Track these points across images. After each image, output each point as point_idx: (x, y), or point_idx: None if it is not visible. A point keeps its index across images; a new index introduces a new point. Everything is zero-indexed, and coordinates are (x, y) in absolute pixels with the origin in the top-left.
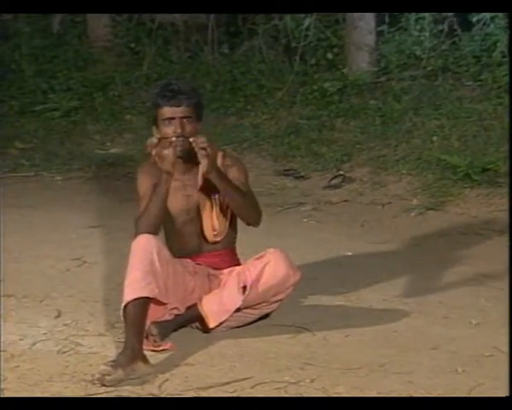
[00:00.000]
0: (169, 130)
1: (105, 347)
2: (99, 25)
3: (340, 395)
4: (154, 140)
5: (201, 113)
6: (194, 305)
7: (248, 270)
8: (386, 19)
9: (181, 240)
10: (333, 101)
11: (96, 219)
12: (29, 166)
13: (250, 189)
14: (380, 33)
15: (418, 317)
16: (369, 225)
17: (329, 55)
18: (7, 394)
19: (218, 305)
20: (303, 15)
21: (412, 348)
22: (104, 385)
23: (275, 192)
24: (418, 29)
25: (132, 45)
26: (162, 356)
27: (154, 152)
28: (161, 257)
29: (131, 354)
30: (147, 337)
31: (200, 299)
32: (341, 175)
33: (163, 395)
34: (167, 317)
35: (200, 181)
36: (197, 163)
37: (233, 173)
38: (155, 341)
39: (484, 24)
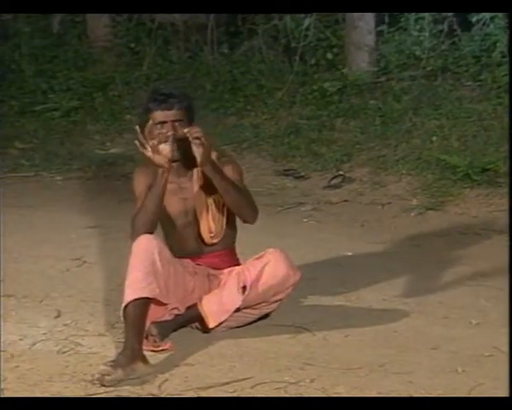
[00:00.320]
0: (160, 133)
1: (105, 347)
2: (99, 25)
3: (340, 395)
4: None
5: (193, 116)
6: (194, 305)
7: (248, 270)
8: (386, 19)
9: (180, 242)
10: (333, 101)
11: (95, 219)
12: (29, 167)
13: (246, 187)
14: (379, 33)
15: (418, 317)
16: (368, 225)
17: (329, 55)
18: (7, 394)
19: (217, 305)
20: (303, 15)
21: (412, 348)
22: (104, 385)
23: (275, 192)
24: (418, 29)
25: (132, 45)
26: (162, 356)
27: (150, 144)
28: (162, 257)
29: (131, 354)
30: (146, 338)
31: (200, 299)
32: (341, 175)
33: (163, 395)
34: (167, 317)
35: (196, 183)
36: (193, 166)
37: (228, 172)
38: (155, 341)
39: (483, 24)
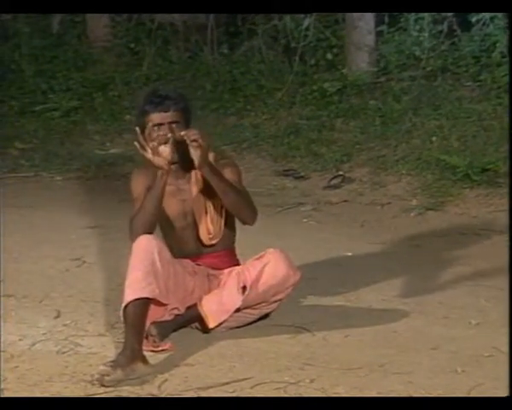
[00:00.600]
0: (157, 135)
1: (105, 347)
2: (98, 25)
3: (340, 395)
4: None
5: (190, 117)
6: (194, 305)
7: (248, 270)
8: (386, 19)
9: (179, 243)
10: (332, 101)
11: (95, 219)
12: (29, 167)
13: (244, 188)
14: (379, 33)
15: (418, 317)
16: (368, 225)
17: (329, 56)
18: (6, 394)
19: (217, 305)
20: (302, 16)
21: (412, 348)
22: (103, 385)
23: (274, 192)
24: (418, 29)
25: (132, 45)
26: (162, 356)
27: (150, 145)
28: (162, 258)
29: (131, 354)
30: (146, 338)
31: (200, 299)
32: (341, 175)
33: (163, 396)
34: (167, 317)
35: (194, 185)
36: (191, 168)
37: (226, 174)
38: (155, 341)
39: (483, 24)
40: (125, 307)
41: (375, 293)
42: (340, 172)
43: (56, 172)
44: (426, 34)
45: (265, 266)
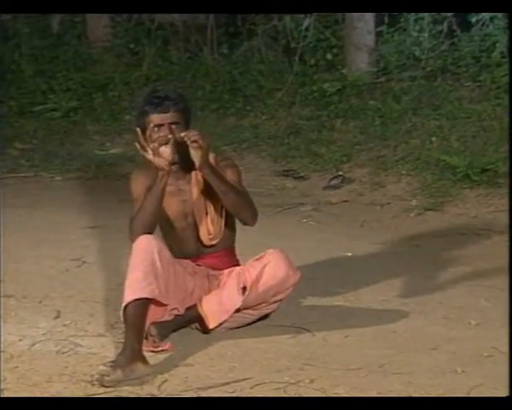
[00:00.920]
0: (157, 136)
1: (104, 347)
2: (98, 25)
3: (340, 395)
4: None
5: (189, 118)
6: (194, 305)
7: (248, 271)
8: (386, 19)
9: (179, 244)
10: (332, 101)
11: (95, 219)
12: (28, 167)
13: (245, 189)
14: (379, 34)
15: (417, 317)
16: (368, 225)
17: (329, 56)
18: (6, 394)
19: (217, 305)
20: (302, 16)
21: (412, 348)
22: (103, 386)
23: (274, 193)
24: (417, 29)
25: (132, 46)
26: (161, 357)
27: (151, 146)
28: (162, 258)
29: (131, 354)
30: (146, 338)
31: (200, 299)
32: (341, 176)
33: (162, 396)
34: (167, 317)
35: (194, 185)
36: (192, 168)
37: (227, 175)
38: (155, 341)
39: (483, 24)
40: (125, 307)
41: (375, 293)
42: (340, 173)
43: (56, 173)
44: (426, 34)
45: (265, 267)
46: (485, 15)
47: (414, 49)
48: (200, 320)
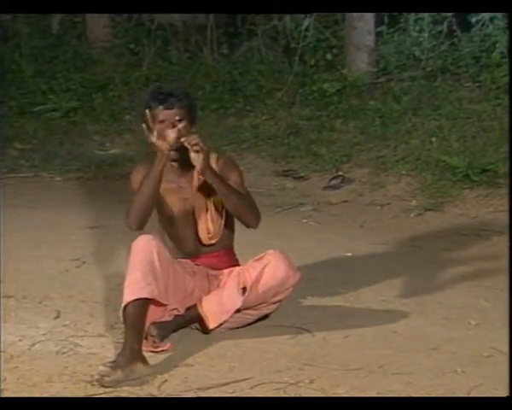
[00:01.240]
0: (161, 132)
1: (104, 347)
2: (98, 25)
3: (340, 395)
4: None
5: (195, 116)
6: (194, 306)
7: (248, 271)
8: (386, 19)
9: (179, 242)
10: (332, 101)
11: (95, 219)
12: (28, 167)
13: (247, 190)
14: (379, 34)
15: (417, 317)
16: (368, 225)
17: (329, 56)
18: (6, 394)
19: (217, 306)
20: (302, 16)
21: (412, 348)
22: (103, 386)
23: (274, 193)
24: (417, 30)
25: (131, 46)
26: (161, 357)
27: (157, 127)
28: (161, 258)
29: (131, 354)
30: (146, 338)
31: (200, 300)
32: (341, 176)
33: (162, 396)
34: (167, 318)
35: (195, 183)
36: (192, 166)
37: (228, 175)
38: (154, 342)
39: (483, 25)
40: (125, 307)
41: (375, 293)
42: (340, 173)
43: (56, 173)
44: (425, 34)
45: (265, 267)
46: (485, 16)
47: (414, 49)
48: (200, 320)
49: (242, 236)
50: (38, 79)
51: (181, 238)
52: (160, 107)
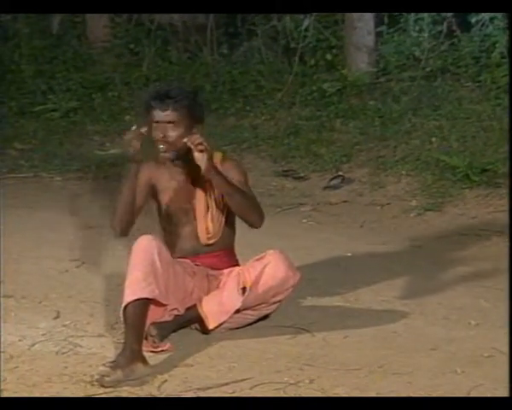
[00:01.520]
0: (155, 133)
1: (104, 348)
2: (98, 26)
3: (340, 395)
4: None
5: (198, 116)
6: (194, 306)
7: (248, 271)
8: (386, 19)
9: (179, 240)
10: (332, 101)
11: (95, 219)
12: (28, 167)
13: (251, 190)
14: (379, 34)
15: (417, 318)
16: (368, 225)
17: (328, 56)
18: (6, 394)
19: (217, 306)
20: (302, 16)
21: (411, 348)
22: (103, 386)
23: (274, 193)
24: (417, 30)
25: (131, 46)
26: (161, 357)
27: (132, 129)
28: (162, 258)
29: (131, 355)
30: (146, 338)
31: (200, 300)
32: (340, 176)
33: (162, 396)
34: (167, 318)
35: (198, 181)
36: (195, 165)
37: (232, 175)
38: (154, 342)
39: (483, 25)
40: (125, 307)
41: (375, 293)
42: (340, 173)
43: (56, 173)
44: (425, 35)
45: (265, 268)
46: (485, 16)
47: (414, 49)
48: (199, 321)
49: (242, 236)
50: (38, 80)
51: (181, 236)
52: (156, 107)
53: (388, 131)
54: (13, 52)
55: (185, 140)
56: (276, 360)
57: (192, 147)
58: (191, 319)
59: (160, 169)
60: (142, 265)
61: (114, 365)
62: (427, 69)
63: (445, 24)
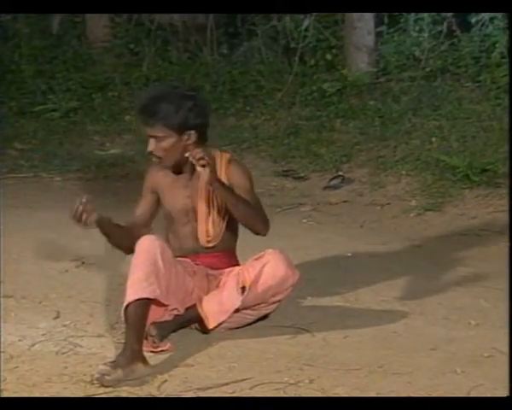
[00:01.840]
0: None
1: (104, 348)
2: (98, 25)
3: (340, 395)
4: None
5: (186, 124)
6: (194, 306)
7: (247, 270)
8: (386, 19)
9: (179, 239)
10: (332, 101)
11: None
12: (28, 167)
13: (256, 196)
14: (379, 34)
15: (417, 318)
16: (368, 225)
17: (328, 56)
18: (6, 394)
19: (217, 305)
20: (302, 16)
21: (411, 348)
22: (103, 385)
23: (274, 193)
24: (417, 30)
25: (131, 46)
26: (161, 357)
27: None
28: (165, 258)
29: (131, 354)
30: (146, 338)
31: (200, 300)
32: (340, 176)
33: (162, 396)
34: (166, 317)
35: (202, 183)
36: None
37: (238, 179)
38: (154, 342)
39: (483, 25)
40: (126, 307)
41: (375, 293)
42: (340, 173)
43: (56, 173)
44: (425, 35)
45: (264, 267)
46: (485, 16)
47: (414, 49)
48: (199, 320)
49: (242, 236)
50: (38, 80)
51: (181, 235)
52: (141, 122)
53: (388, 131)
54: (13, 52)
55: (187, 155)
56: (276, 360)
57: (194, 162)
58: (191, 319)
59: (164, 170)
60: (144, 265)
61: (115, 364)
62: (427, 69)
63: (445, 24)
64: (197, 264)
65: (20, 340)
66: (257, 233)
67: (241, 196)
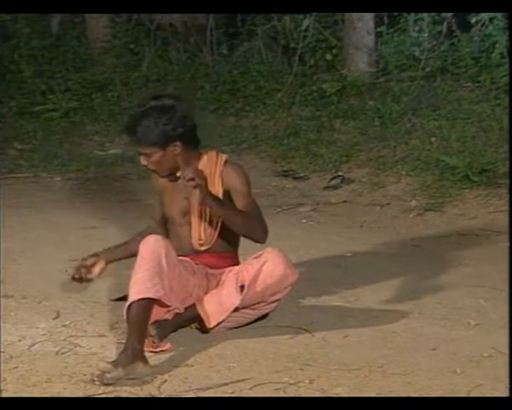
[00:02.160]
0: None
1: (104, 347)
2: (98, 26)
3: (339, 395)
4: None
5: (172, 136)
6: (193, 305)
7: (246, 269)
8: (385, 20)
9: (178, 240)
10: (332, 102)
11: (94, 219)
12: (28, 167)
13: (253, 200)
14: (379, 34)
15: (417, 318)
16: (367, 225)
17: (328, 56)
18: (6, 394)
19: (216, 305)
20: (302, 16)
21: (411, 348)
22: (103, 383)
23: (274, 193)
24: (417, 30)
25: (131, 46)
26: (161, 357)
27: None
28: (169, 259)
29: (132, 353)
30: (146, 338)
31: (199, 299)
32: (340, 176)
33: (162, 396)
34: (166, 316)
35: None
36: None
37: (234, 183)
38: (154, 342)
39: (483, 25)
40: (129, 306)
41: (375, 293)
42: (340, 173)
43: (56, 173)
44: (425, 35)
45: (263, 265)
46: (485, 16)
47: (413, 49)
48: (199, 320)
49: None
50: (38, 80)
51: (179, 236)
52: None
53: (388, 132)
54: (12, 52)
55: (178, 174)
56: (276, 360)
57: (184, 182)
58: (191, 319)
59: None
60: (148, 265)
61: (115, 363)
62: (427, 69)
63: (445, 24)
64: (197, 263)
65: (19, 340)
66: (256, 241)
67: (236, 209)
